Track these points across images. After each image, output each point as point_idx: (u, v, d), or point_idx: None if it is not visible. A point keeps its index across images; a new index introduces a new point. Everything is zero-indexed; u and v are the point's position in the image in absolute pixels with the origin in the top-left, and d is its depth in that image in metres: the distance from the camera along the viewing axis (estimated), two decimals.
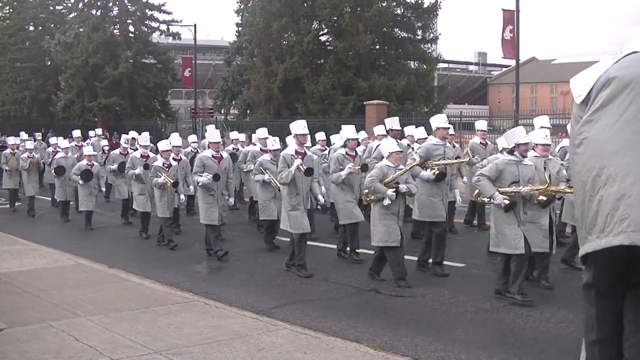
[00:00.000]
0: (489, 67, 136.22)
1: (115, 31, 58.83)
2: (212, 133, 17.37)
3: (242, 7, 57.60)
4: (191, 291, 12.64)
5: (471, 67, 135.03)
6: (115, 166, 22.43)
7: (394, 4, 44.99)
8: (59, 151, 25.01)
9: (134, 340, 9.30)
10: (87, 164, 21.84)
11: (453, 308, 11.60)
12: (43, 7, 68.90)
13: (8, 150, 27.07)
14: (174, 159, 18.53)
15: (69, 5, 67.14)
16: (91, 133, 33.25)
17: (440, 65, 67.42)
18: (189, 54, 67.09)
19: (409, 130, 19.61)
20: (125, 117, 56.03)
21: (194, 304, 11.54)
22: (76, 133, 28.58)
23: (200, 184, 16.21)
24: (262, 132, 20.22)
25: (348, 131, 16.23)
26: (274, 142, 17.02)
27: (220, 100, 58.48)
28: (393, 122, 18.27)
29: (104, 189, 23.87)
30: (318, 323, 10.62)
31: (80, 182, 21.38)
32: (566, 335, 10.07)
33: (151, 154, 20.39)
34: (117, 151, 23.36)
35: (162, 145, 18.33)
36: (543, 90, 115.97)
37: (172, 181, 17.71)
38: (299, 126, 14.78)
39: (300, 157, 14.38)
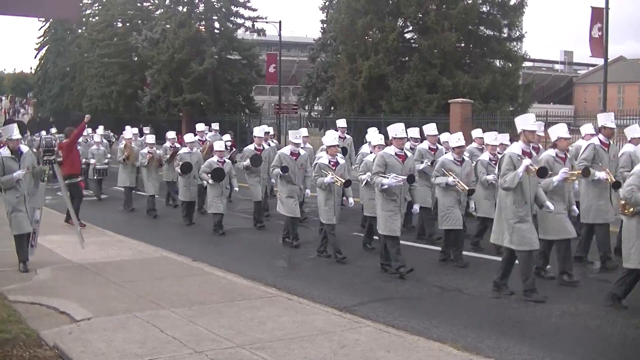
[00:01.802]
0: (575, 66, 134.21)
1: (200, 27, 59.49)
2: (397, 127, 14.35)
3: (327, 3, 57.74)
4: (274, 286, 12.68)
5: (557, 66, 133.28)
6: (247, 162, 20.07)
7: (480, 1, 44.60)
8: (177, 146, 23.82)
9: (218, 333, 9.37)
10: (217, 161, 19.75)
11: (538, 311, 11.40)
12: (131, 4, 70.03)
13: (123, 145, 25.55)
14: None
15: (156, 2, 68.14)
16: (200, 127, 28.77)
17: (526, 63, 66.54)
18: (273, 50, 67.47)
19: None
20: (210, 112, 56.53)
21: (277, 299, 11.58)
22: (200, 126, 26.46)
23: (386, 186, 13.68)
24: (431, 128, 17.93)
25: (560, 130, 13.47)
26: (458, 139, 15.26)
27: (304, 96, 58.69)
28: (607, 118, 15.03)
29: (237, 189, 20.76)
30: (401, 321, 10.57)
31: (210, 181, 19.35)
32: None
33: (301, 151, 17.97)
34: (251, 147, 20.73)
35: (330, 140, 16.01)
36: (631, 90, 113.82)
37: (342, 180, 15.49)
38: (528, 121, 12.52)
39: (527, 157, 12.13)
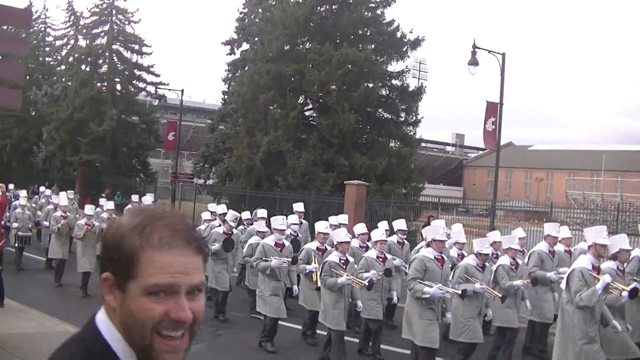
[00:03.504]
0: (466, 149, 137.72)
1: (102, 87, 59.40)
2: (437, 229, 13.64)
3: (229, 75, 58.47)
4: None
5: (448, 148, 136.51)
6: (216, 246, 18.57)
7: (380, 85, 45.65)
8: (115, 217, 21.98)
9: None
10: None
11: None
12: (32, 58, 69.39)
13: (59, 213, 23.29)
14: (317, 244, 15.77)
15: (59, 58, 67.88)
16: (134, 197, 28.23)
17: None
18: (170, 113, 67.71)
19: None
20: (105, 174, 56.40)
21: None
22: (147, 198, 24.89)
23: (428, 295, 12.65)
24: (457, 227, 17.08)
25: (621, 241, 12.13)
26: (486, 247, 13.90)
27: (200, 165, 59.04)
28: None
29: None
30: None
31: None
32: None
33: (286, 242, 16.71)
34: (219, 229, 19.56)
35: (342, 236, 14.58)
36: (518, 175, 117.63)
37: (365, 284, 14.08)
38: (600, 234, 11.67)
39: (596, 271, 11.29)
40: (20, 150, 65.33)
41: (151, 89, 60.82)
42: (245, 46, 58.11)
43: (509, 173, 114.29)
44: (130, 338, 2.33)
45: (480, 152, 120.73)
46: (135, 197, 27.98)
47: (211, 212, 22.95)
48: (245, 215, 21.56)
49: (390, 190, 40.24)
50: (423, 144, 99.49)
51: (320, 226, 15.97)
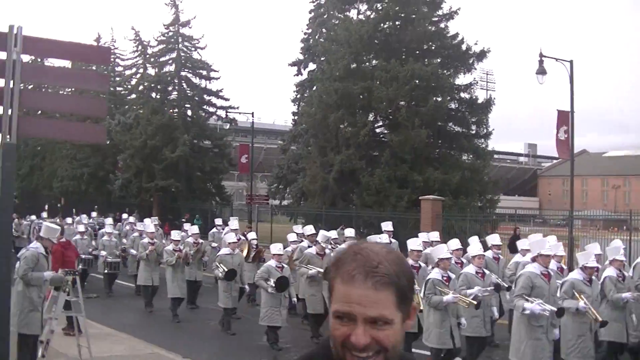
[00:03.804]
0: (539, 158, 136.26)
1: (174, 114, 60.27)
2: (542, 242, 13.14)
3: (298, 96, 58.82)
4: None
5: (521, 158, 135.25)
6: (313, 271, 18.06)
7: (449, 98, 45.48)
8: (200, 242, 22.65)
9: None
10: (276, 266, 16.89)
11: None
12: None
13: (146, 240, 23.24)
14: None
15: (129, 87, 68.98)
16: (217, 221, 28.45)
17: None
18: (241, 136, 68.13)
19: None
20: (181, 199, 57.10)
21: None
22: (234, 223, 24.78)
23: (528, 312, 12.25)
24: (553, 239, 16.45)
25: None
26: (591, 259, 13.32)
27: (275, 186, 59.40)
28: None
29: (295, 300, 18.46)
30: None
31: (270, 290, 16.55)
32: None
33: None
34: (312, 250, 19.02)
35: (442, 251, 14.36)
36: (594, 183, 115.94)
37: (473, 302, 13.66)
38: None
39: None
40: (97, 178, 66.36)
41: (221, 113, 61.70)
42: (312, 66, 58.54)
43: (585, 181, 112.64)
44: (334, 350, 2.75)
45: (554, 161, 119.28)
46: (218, 221, 28.30)
47: (297, 233, 23.01)
48: (332, 234, 21.35)
49: (465, 204, 40.04)
50: (495, 156, 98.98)
51: (413, 243, 15.58)
